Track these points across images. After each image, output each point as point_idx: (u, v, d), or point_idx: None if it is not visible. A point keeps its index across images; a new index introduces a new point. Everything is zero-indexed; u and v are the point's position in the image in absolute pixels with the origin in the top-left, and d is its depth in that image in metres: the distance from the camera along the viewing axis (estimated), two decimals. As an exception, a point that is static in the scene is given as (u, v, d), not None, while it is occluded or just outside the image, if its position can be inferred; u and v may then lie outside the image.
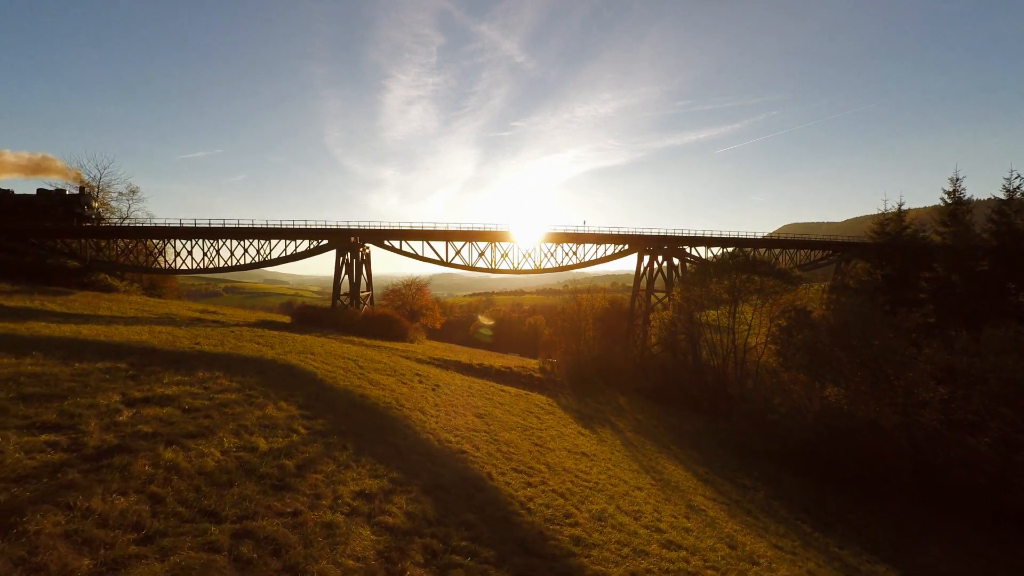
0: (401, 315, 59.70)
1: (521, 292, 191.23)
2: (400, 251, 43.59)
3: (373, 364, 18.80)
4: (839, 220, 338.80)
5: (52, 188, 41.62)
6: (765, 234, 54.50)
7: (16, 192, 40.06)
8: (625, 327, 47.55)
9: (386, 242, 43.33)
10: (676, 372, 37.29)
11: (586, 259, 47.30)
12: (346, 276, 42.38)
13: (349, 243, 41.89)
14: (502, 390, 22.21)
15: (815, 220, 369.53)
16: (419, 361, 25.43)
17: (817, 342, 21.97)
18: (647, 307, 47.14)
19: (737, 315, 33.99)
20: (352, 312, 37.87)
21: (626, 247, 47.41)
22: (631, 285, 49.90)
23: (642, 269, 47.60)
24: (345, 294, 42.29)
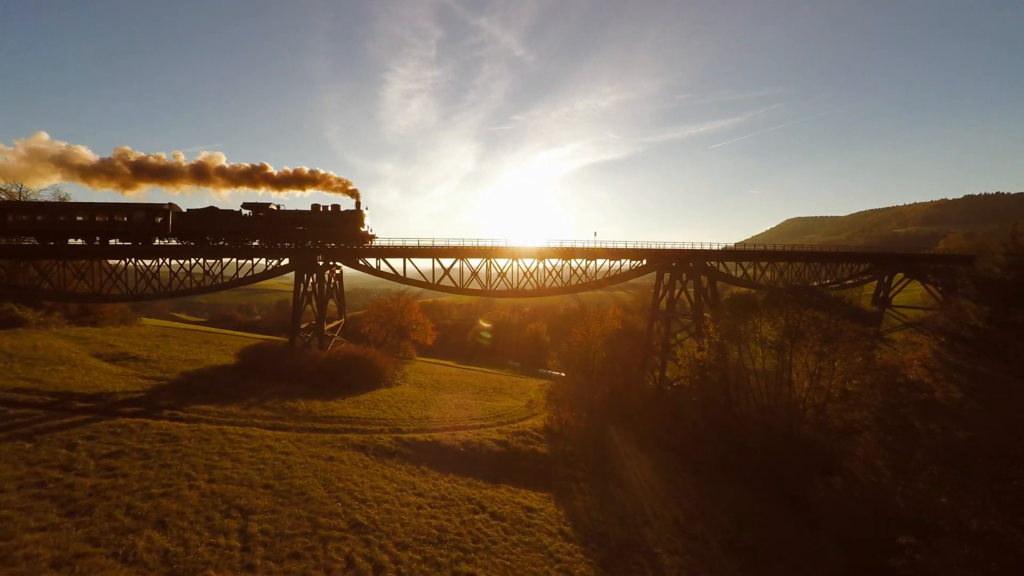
0: (387, 333, 52.41)
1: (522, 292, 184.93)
2: (377, 271, 36.17)
3: (284, 514, 11.58)
4: (844, 214, 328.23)
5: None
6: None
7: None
8: (641, 355, 40.51)
9: (360, 261, 35.91)
10: (709, 422, 30.29)
11: (597, 277, 39.94)
12: (312, 302, 35.09)
13: (314, 263, 34.56)
14: (492, 518, 15.06)
15: (818, 214, 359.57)
16: (379, 454, 18.23)
17: (956, 443, 14.90)
18: (667, 332, 40.03)
19: (792, 362, 26.80)
20: (312, 355, 30.46)
21: (644, 263, 40.18)
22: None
23: (661, 290, 40.41)
24: (307, 327, 35.00)
